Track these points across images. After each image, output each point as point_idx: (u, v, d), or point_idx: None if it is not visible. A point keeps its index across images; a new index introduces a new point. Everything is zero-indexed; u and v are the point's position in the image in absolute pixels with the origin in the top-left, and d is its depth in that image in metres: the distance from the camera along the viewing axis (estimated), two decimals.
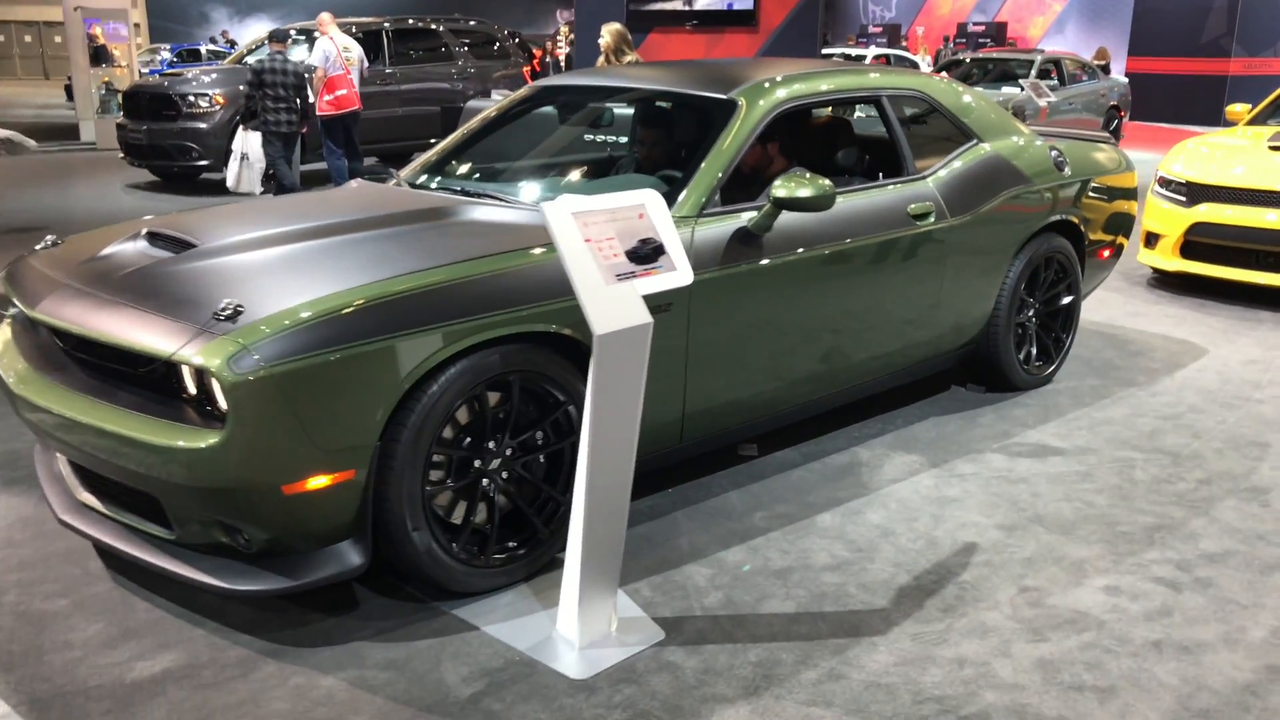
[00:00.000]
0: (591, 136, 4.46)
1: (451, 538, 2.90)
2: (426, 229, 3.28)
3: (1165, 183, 6.93)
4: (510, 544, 3.03)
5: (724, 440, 3.73)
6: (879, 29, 29.60)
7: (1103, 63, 27.06)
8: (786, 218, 3.60)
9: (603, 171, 4.32)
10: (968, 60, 16.06)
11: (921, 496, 3.70)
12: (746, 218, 3.51)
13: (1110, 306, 6.46)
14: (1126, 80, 16.69)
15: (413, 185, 3.97)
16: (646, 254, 2.60)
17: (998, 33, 27.31)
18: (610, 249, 2.54)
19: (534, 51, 16.11)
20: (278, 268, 2.95)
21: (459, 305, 2.78)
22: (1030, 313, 4.76)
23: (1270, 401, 4.75)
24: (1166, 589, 3.10)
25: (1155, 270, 7.15)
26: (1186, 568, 3.22)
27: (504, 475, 2.98)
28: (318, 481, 2.63)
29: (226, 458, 2.53)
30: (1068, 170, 4.78)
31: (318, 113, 10.06)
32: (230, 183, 10.73)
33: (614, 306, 2.47)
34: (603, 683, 2.61)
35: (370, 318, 2.66)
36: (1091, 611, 2.96)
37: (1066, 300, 4.89)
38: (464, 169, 4.19)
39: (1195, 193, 6.69)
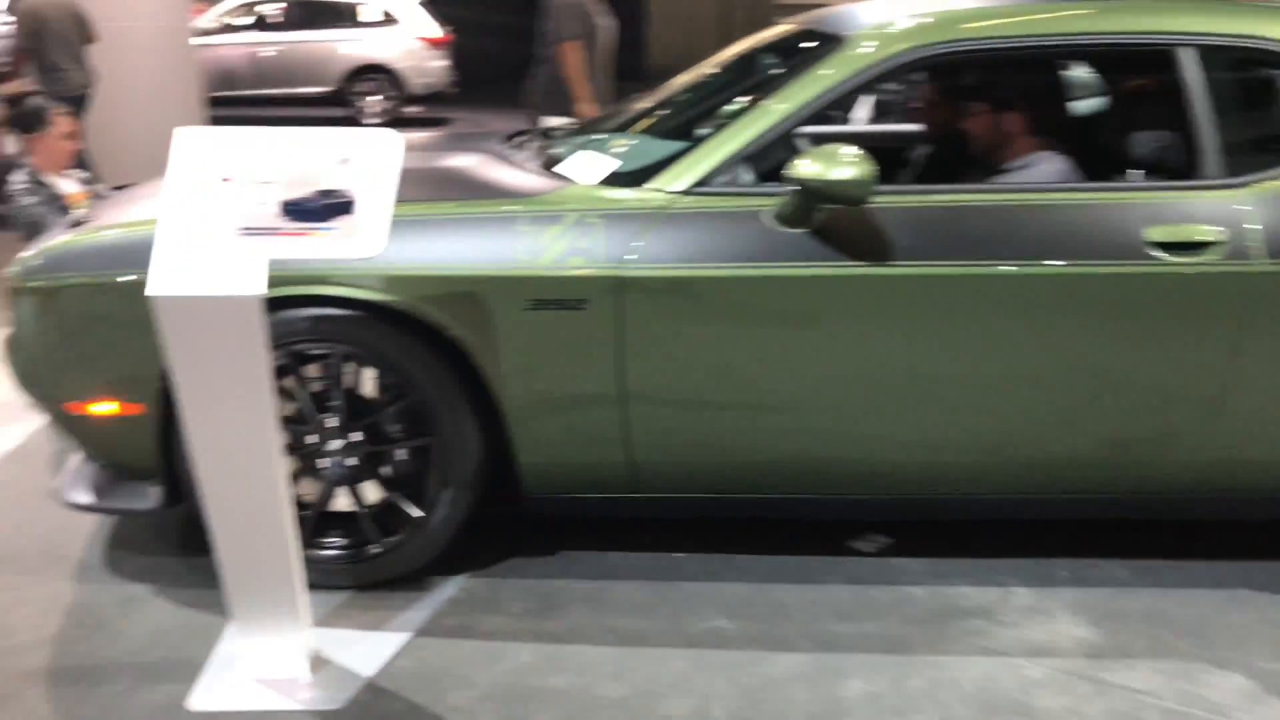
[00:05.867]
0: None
1: None
2: None
3: None
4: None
5: (712, 504, 2.72)
6: None
7: None
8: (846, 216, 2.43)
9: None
10: None
11: None
12: (772, 203, 2.45)
13: None
14: None
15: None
16: (314, 210, 1.98)
17: None
18: (256, 196, 1.98)
19: None
20: None
21: None
22: None
23: None
24: None
25: None
26: None
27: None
28: (102, 408, 2.53)
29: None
30: None
31: None
32: None
33: (202, 264, 1.92)
34: None
35: None
36: None
37: None
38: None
39: None
